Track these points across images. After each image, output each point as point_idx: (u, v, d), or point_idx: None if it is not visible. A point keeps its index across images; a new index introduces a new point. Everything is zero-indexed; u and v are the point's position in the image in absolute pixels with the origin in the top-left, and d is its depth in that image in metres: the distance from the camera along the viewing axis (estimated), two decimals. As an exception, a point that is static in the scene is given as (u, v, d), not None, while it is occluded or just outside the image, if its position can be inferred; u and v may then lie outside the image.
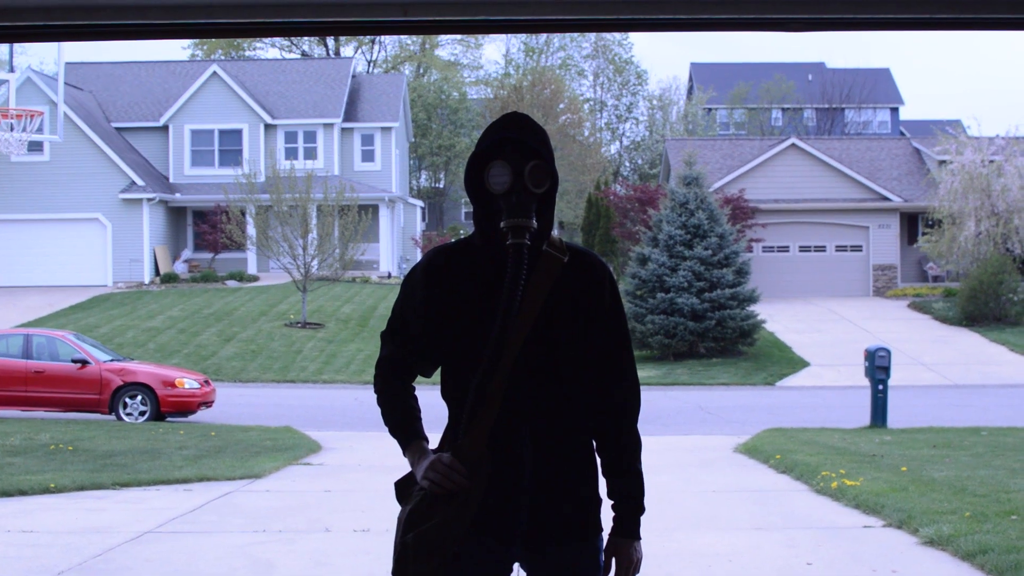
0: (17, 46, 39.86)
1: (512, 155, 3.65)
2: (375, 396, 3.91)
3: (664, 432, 19.98)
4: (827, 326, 38.86)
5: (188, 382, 22.64)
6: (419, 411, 3.85)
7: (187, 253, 50.40)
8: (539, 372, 3.66)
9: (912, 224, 48.34)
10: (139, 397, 22.26)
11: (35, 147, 43.99)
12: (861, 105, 78.35)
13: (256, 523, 10.83)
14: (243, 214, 41.17)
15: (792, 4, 4.59)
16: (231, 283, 45.76)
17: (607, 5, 4.64)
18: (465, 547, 3.62)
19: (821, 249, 47.22)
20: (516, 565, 3.79)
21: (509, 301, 3.56)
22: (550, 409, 3.68)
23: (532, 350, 3.63)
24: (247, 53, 78.06)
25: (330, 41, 78.00)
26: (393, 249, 51.74)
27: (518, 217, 3.59)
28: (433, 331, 3.75)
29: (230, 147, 50.96)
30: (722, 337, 34.25)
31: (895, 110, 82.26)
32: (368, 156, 53.17)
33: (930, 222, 45.09)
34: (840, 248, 47.28)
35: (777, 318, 38.89)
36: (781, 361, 33.63)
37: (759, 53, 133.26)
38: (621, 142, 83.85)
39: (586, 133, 73.54)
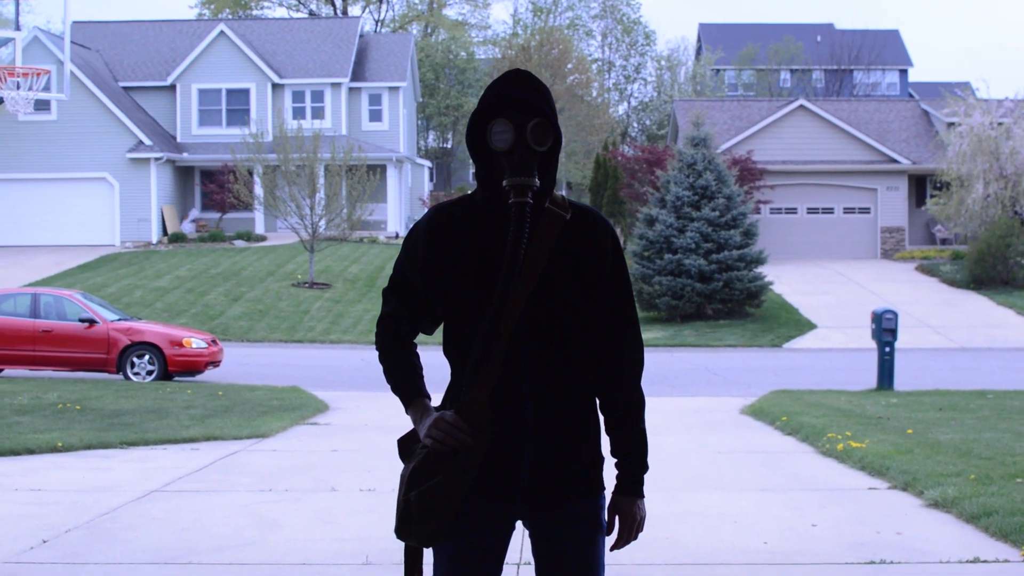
0: (23, 3, 39.71)
1: (514, 113, 3.60)
2: (377, 354, 3.90)
3: (670, 393, 20.00)
4: (834, 288, 38.82)
5: (195, 342, 22.67)
6: (421, 369, 3.84)
7: (195, 213, 50.42)
8: (542, 330, 3.64)
9: (920, 186, 48.22)
10: (147, 356, 22.29)
11: (42, 106, 43.88)
12: (870, 67, 77.97)
13: (262, 482, 10.86)
14: (250, 174, 41.14)
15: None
16: (239, 243, 45.79)
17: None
18: (467, 505, 3.62)
19: (829, 211, 47.15)
20: (519, 523, 3.79)
21: (512, 259, 3.52)
22: (552, 367, 3.66)
23: (535, 308, 3.61)
24: (254, 12, 77.80)
25: (337, 0, 77.66)
26: (401, 209, 51.72)
27: (520, 175, 3.55)
28: (435, 288, 3.72)
29: (237, 106, 50.91)
30: (729, 299, 34.26)
31: (904, 72, 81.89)
32: (376, 116, 53.08)
33: (938, 184, 44.98)
34: (848, 210, 47.19)
35: (784, 280, 38.86)
36: (788, 323, 33.62)
37: (768, 13, 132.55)
38: (629, 103, 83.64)
39: (594, 94, 73.25)
